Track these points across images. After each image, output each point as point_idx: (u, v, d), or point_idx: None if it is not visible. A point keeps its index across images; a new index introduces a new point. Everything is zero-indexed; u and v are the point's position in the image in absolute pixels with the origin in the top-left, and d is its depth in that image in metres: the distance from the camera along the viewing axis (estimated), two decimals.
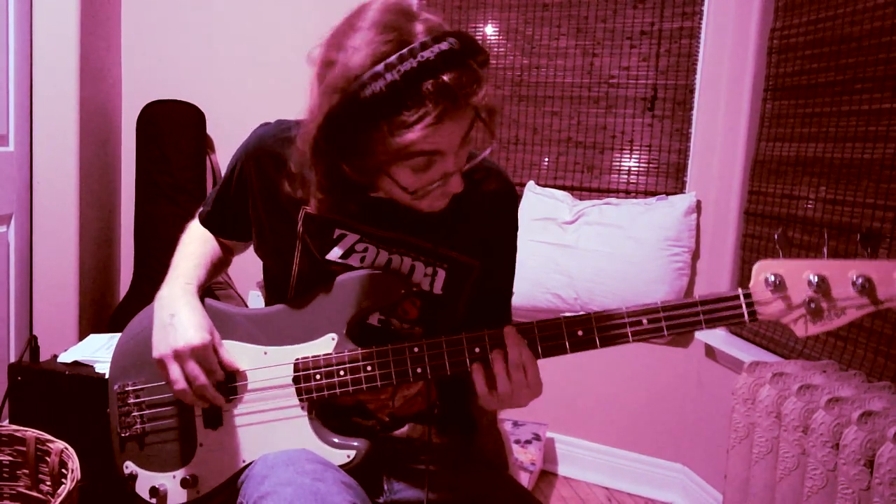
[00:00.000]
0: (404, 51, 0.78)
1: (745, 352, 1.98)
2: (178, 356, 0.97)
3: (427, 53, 0.78)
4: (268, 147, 1.03)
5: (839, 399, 1.42)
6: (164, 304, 1.03)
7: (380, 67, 0.78)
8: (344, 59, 0.81)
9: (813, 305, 0.84)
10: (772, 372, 1.63)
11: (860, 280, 0.82)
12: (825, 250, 0.87)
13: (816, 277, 0.83)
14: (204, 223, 1.17)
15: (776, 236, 0.89)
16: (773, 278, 0.85)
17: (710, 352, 2.20)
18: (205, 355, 0.98)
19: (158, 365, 0.99)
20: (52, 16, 2.35)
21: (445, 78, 0.78)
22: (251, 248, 1.15)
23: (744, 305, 0.86)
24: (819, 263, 0.84)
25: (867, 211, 1.65)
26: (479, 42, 0.85)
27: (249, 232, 1.11)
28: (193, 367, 0.97)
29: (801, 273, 0.84)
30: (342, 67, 0.81)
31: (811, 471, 1.43)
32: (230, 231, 1.16)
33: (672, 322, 0.88)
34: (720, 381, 2.13)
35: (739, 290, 0.86)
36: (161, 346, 0.99)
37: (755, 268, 0.86)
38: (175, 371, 0.97)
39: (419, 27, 0.81)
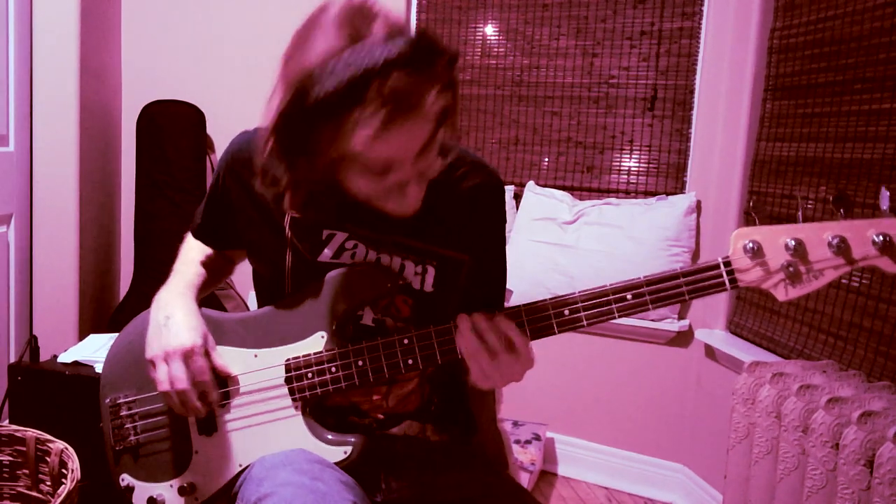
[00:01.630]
0: (355, 48, 0.75)
1: (745, 352, 1.98)
2: (168, 357, 0.97)
3: (378, 52, 0.75)
4: (246, 156, 1.01)
5: (839, 399, 1.42)
6: (160, 307, 1.03)
7: (330, 65, 0.75)
8: (299, 56, 0.80)
9: (791, 269, 0.85)
10: (772, 372, 1.63)
11: (835, 241, 0.83)
12: (800, 215, 0.89)
13: (793, 241, 0.85)
14: (196, 236, 1.17)
15: (750, 203, 0.89)
16: (751, 245, 0.86)
17: (710, 352, 2.20)
18: (194, 358, 0.97)
19: (149, 365, 0.99)
20: (52, 16, 2.35)
21: (393, 79, 0.75)
22: None
23: (724, 273, 0.87)
24: (795, 227, 0.86)
25: (867, 211, 1.64)
26: (447, 41, 0.80)
27: (241, 240, 1.11)
28: (179, 370, 0.96)
29: (777, 238, 0.86)
30: (296, 63, 0.79)
31: (811, 471, 1.43)
32: (223, 242, 1.16)
33: (656, 295, 0.88)
34: (720, 381, 2.13)
35: (719, 259, 0.88)
36: (153, 346, 0.99)
37: (733, 236, 0.88)
38: (162, 372, 0.97)
39: (377, 26, 0.78)
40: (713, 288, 0.88)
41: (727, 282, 0.87)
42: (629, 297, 0.89)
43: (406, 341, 0.95)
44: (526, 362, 0.92)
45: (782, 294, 0.86)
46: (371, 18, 0.79)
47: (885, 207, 0.83)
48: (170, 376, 0.96)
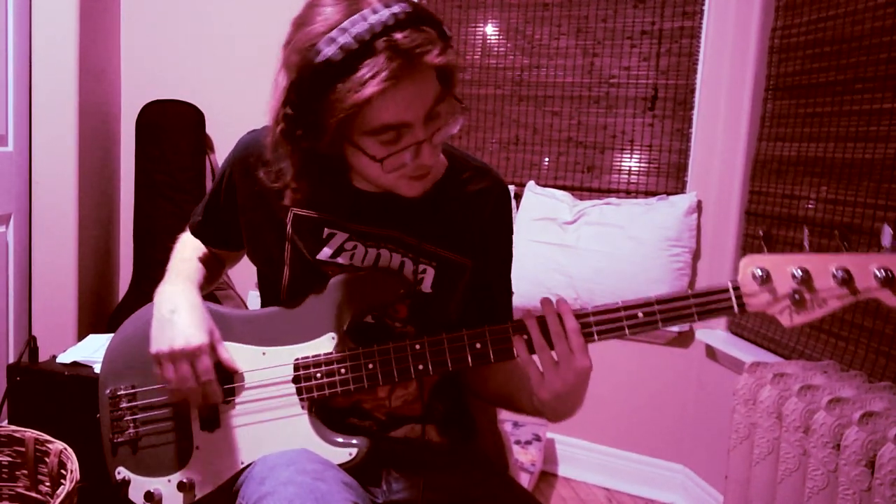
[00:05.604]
0: (355, 16, 0.82)
1: (746, 352, 1.98)
2: (175, 356, 0.96)
3: (377, 16, 0.81)
4: (254, 155, 1.02)
5: (840, 400, 1.42)
6: (164, 300, 1.02)
7: (333, 32, 0.81)
8: (301, 35, 0.85)
9: (797, 297, 0.88)
10: (772, 372, 1.63)
11: (840, 273, 0.87)
12: (807, 244, 0.93)
13: (800, 271, 0.88)
14: (195, 233, 1.17)
15: (761, 233, 0.98)
16: (759, 272, 0.89)
17: (711, 352, 2.19)
18: (201, 358, 0.97)
19: (154, 360, 0.98)
20: (51, 15, 2.35)
21: (397, 36, 0.81)
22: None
23: (733, 297, 0.89)
24: (802, 257, 0.89)
25: (868, 211, 1.64)
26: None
27: (240, 241, 1.11)
28: (186, 370, 0.96)
29: (785, 266, 0.89)
30: (298, 42, 0.85)
31: (812, 471, 1.43)
32: (221, 241, 1.16)
33: (666, 315, 0.90)
34: (721, 381, 2.13)
35: (728, 283, 0.90)
36: (160, 342, 0.98)
37: (742, 262, 0.91)
38: (169, 370, 0.97)
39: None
40: (722, 310, 0.90)
41: (735, 305, 0.89)
42: (640, 314, 0.91)
43: (418, 346, 0.95)
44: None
45: (787, 320, 0.89)
46: None
47: (886, 244, 0.87)
48: (177, 376, 0.96)
